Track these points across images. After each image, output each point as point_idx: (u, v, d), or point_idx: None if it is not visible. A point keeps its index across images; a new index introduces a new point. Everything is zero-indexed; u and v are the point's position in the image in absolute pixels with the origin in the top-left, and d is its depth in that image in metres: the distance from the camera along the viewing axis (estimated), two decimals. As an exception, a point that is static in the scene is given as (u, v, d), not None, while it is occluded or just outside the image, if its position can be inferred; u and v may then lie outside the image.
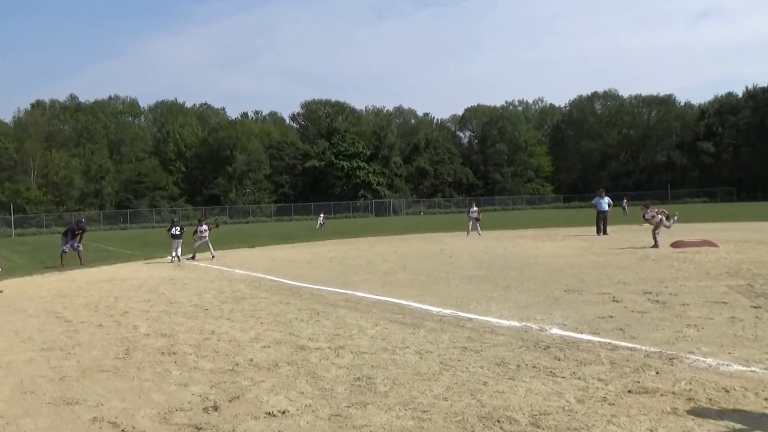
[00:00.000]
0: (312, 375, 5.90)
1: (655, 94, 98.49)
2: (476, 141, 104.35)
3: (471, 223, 28.48)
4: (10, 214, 62.13)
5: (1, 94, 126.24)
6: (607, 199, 25.06)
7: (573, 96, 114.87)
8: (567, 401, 4.79)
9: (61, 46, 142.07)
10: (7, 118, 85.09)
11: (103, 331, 8.71)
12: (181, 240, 20.46)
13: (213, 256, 20.36)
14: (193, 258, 20.41)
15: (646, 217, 18.64)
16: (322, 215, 46.14)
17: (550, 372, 5.60)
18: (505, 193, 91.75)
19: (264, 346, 7.26)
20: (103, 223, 68.35)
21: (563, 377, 5.42)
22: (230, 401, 5.23)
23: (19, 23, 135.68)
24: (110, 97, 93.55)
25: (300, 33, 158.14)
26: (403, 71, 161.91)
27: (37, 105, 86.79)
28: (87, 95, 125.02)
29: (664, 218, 18.38)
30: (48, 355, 7.36)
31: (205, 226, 21.14)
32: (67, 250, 19.58)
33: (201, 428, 4.64)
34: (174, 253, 20.26)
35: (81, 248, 20.06)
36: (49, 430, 4.79)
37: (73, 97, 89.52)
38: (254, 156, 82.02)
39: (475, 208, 28.96)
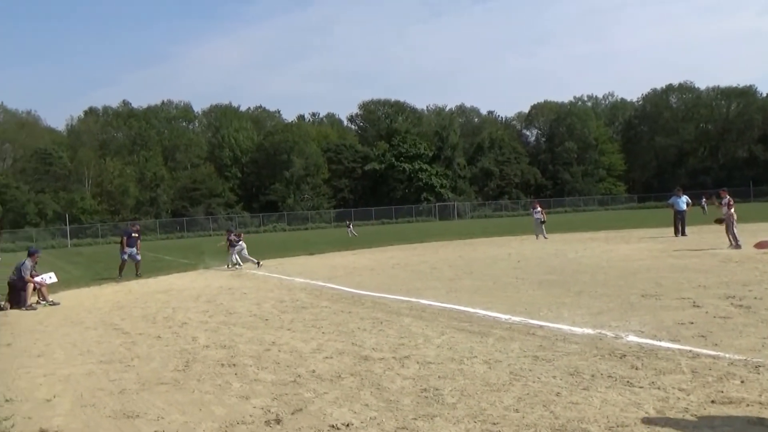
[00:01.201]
0: (376, 386, 5.98)
1: (734, 85, 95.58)
2: (543, 139, 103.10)
3: (536, 225, 28.19)
4: (66, 225, 64.49)
5: (54, 102, 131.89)
6: (684, 198, 24.50)
7: (646, 90, 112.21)
8: (646, 412, 4.73)
9: (111, 51, 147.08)
10: (61, 127, 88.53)
11: (162, 343, 9.00)
12: (236, 248, 21.11)
13: (258, 263, 20.98)
14: (236, 266, 21.07)
15: (722, 203, 18.10)
16: (349, 223, 47.39)
17: (627, 382, 5.54)
18: (576, 193, 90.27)
19: (326, 357, 7.38)
20: (159, 232, 70.08)
21: (641, 387, 5.36)
22: (293, 414, 5.34)
23: (68, 29, 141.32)
24: (163, 102, 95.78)
25: (353, 31, 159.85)
26: (464, 68, 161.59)
27: (90, 112, 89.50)
28: (140, 101, 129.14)
29: (733, 216, 17.72)
30: (107, 368, 7.62)
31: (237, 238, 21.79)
32: (126, 259, 20.02)
33: (264, 440, 4.77)
34: (231, 261, 20.99)
35: (139, 257, 20.48)
36: (113, 442, 4.99)
37: (125, 103, 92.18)
38: (312, 160, 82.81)
39: (538, 209, 28.44)
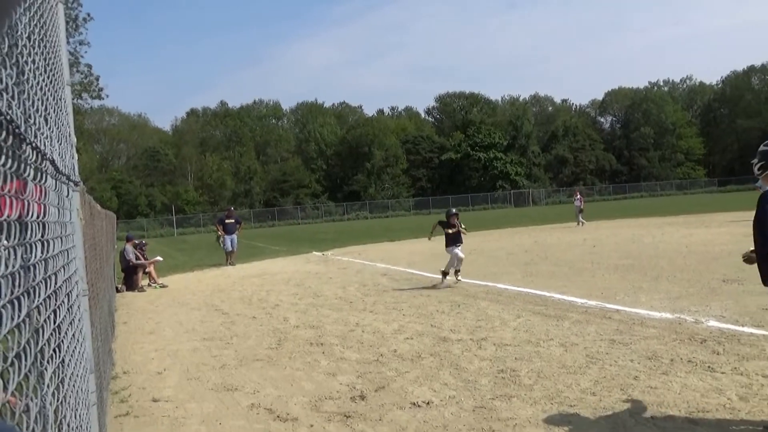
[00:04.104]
0: (455, 367, 5.93)
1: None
2: (618, 126, 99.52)
3: (576, 212, 28.49)
4: (173, 215, 67.58)
5: (161, 104, 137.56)
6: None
7: (726, 72, 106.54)
8: (728, 398, 4.48)
9: (209, 56, 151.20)
10: (167, 127, 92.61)
11: (257, 323, 9.26)
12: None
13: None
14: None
15: None
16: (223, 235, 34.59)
17: (708, 367, 5.26)
18: (652, 178, 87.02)
19: (407, 338, 7.37)
20: (253, 221, 72.13)
21: (723, 373, 5.08)
22: (376, 391, 5.37)
23: (172, 38, 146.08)
24: (255, 102, 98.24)
25: (431, 27, 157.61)
26: (538, 58, 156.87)
27: (192, 113, 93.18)
28: (234, 101, 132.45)
29: None
30: (209, 345, 7.93)
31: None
32: (229, 249, 19.53)
33: (350, 416, 4.80)
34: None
35: (234, 248, 19.81)
36: (212, 415, 5.16)
37: (223, 104, 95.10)
38: (391, 151, 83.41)
39: (578, 196, 29.21)
